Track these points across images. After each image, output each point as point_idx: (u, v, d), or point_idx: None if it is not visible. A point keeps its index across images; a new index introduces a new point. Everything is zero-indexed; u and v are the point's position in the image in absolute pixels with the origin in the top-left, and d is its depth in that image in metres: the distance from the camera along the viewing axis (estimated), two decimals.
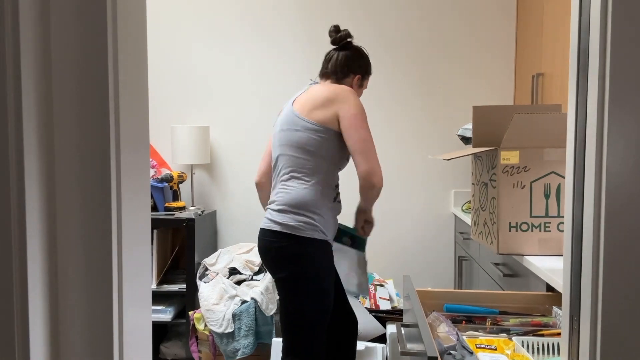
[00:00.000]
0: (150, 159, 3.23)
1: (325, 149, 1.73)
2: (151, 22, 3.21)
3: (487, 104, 3.09)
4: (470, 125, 2.68)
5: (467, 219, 2.71)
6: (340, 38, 1.91)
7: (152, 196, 2.99)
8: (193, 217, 2.90)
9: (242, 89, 3.26)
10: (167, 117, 3.26)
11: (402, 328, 1.46)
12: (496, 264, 2.08)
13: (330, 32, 1.93)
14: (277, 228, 1.72)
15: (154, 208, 3.00)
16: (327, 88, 1.79)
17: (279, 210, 1.74)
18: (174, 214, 2.96)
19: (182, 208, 3.04)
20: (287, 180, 1.76)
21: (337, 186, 1.82)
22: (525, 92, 2.83)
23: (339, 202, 1.84)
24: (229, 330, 2.63)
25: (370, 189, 1.71)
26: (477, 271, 2.55)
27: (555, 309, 1.49)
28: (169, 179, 3.03)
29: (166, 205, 3.02)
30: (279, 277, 1.76)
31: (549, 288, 1.58)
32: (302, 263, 1.71)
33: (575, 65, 0.87)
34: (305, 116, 1.75)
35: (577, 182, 0.85)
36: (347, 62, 1.89)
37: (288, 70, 3.23)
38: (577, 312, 0.86)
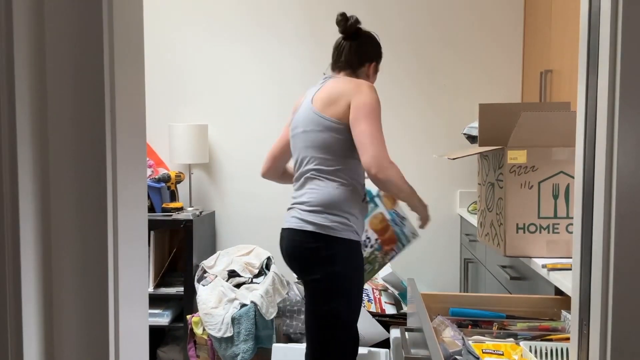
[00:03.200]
0: (147, 159, 3.23)
1: (349, 147, 1.70)
2: (148, 18, 3.21)
3: (494, 101, 3.08)
4: (476, 124, 2.67)
5: (473, 220, 2.71)
6: (350, 27, 1.86)
7: (149, 197, 2.99)
8: (191, 218, 2.89)
9: (242, 86, 3.26)
10: (164, 115, 3.26)
11: (406, 332, 1.46)
12: (503, 267, 2.08)
13: (338, 21, 1.87)
14: (310, 228, 1.69)
15: (151, 209, 2.99)
16: (343, 82, 1.76)
17: (311, 211, 1.71)
18: (171, 215, 2.95)
19: (180, 209, 3.03)
20: (316, 180, 1.73)
21: (364, 186, 1.79)
22: (534, 90, 2.83)
23: (367, 202, 1.84)
24: (228, 334, 2.63)
25: (377, 183, 1.66)
26: (483, 274, 2.55)
27: (564, 313, 1.48)
28: (166, 179, 3.03)
29: (164, 206, 3.02)
30: (313, 279, 1.73)
31: (558, 291, 1.57)
32: (339, 264, 1.68)
33: (585, 62, 0.86)
34: (325, 113, 1.72)
35: (586, 183, 0.85)
36: (361, 51, 1.86)
37: (290, 68, 3.23)
38: (586, 317, 0.85)
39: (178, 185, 3.12)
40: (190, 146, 3.07)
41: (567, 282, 1.44)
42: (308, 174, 1.76)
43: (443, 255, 3.19)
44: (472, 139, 2.71)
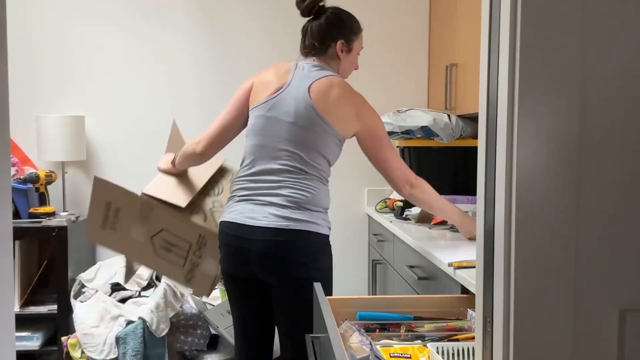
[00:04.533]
0: (11, 156, 3.04)
1: (335, 151, 1.91)
2: None
3: (402, 95, 3.23)
4: (383, 119, 2.79)
5: (382, 219, 2.83)
6: (307, 7, 1.92)
7: (13, 200, 2.82)
8: (65, 224, 2.82)
9: (124, 72, 3.15)
10: (31, 104, 3.08)
11: (312, 340, 1.49)
12: (411, 267, 2.19)
13: (296, 2, 1.93)
14: (298, 226, 1.77)
15: (16, 214, 2.87)
16: (348, 100, 1.87)
17: (294, 207, 1.79)
18: (41, 222, 2.86)
19: (52, 214, 2.93)
20: (315, 181, 1.85)
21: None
22: (439, 83, 3.00)
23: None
24: (112, 356, 2.56)
25: (411, 199, 2.03)
26: (391, 275, 2.67)
27: (470, 311, 1.59)
28: (34, 179, 2.91)
29: (31, 211, 2.91)
30: (300, 278, 1.80)
31: (464, 290, 1.69)
32: (326, 260, 1.88)
33: (486, 55, 0.94)
34: (329, 120, 1.84)
35: (488, 182, 0.93)
36: (323, 31, 1.92)
37: (180, 52, 3.16)
38: (490, 314, 0.93)
39: (49, 187, 3.00)
40: (64, 141, 2.95)
41: (473, 280, 1.54)
42: (289, 170, 1.82)
43: (351, 257, 3.29)
44: None
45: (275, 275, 1.83)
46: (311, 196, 1.82)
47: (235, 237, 1.83)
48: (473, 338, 1.42)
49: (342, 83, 1.89)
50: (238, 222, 1.82)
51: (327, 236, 1.88)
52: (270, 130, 1.85)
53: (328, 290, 1.83)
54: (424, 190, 1.99)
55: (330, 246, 1.91)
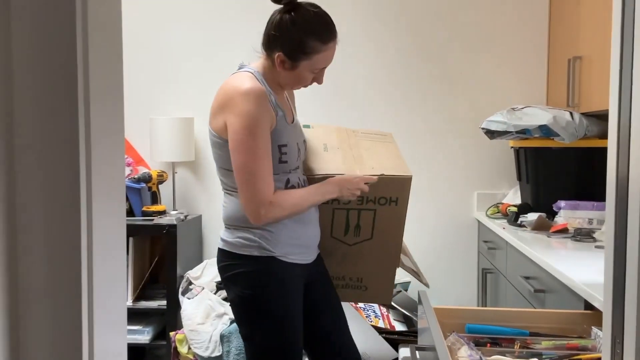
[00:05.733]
0: (126, 156, 3.23)
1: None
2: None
3: (517, 91, 3.09)
4: (495, 117, 2.68)
5: (493, 225, 2.72)
6: None
7: (127, 199, 2.99)
8: (175, 222, 2.90)
9: (230, 73, 3.25)
10: (144, 107, 3.24)
11: (417, 351, 1.46)
12: (526, 278, 2.08)
13: None
14: (220, 245, 1.77)
15: (130, 212, 3.00)
16: (221, 91, 1.72)
17: (225, 227, 1.78)
18: (152, 219, 2.96)
19: (163, 212, 3.04)
20: (225, 194, 1.77)
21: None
22: (560, 78, 2.83)
23: None
24: (216, 353, 2.62)
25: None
26: (504, 286, 2.55)
27: (594, 329, 1.49)
28: (147, 178, 3.03)
29: (144, 209, 3.03)
30: (229, 300, 1.82)
31: (588, 306, 1.58)
32: (242, 284, 1.71)
33: (618, 46, 0.87)
34: (209, 124, 1.72)
35: (620, 186, 0.86)
36: (272, 33, 1.65)
37: None
38: (620, 334, 0.86)
39: (160, 186, 3.11)
40: (174, 142, 3.06)
41: (599, 295, 1.44)
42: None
43: (458, 265, 3.19)
44: (491, 133, 2.71)
45: None
46: (224, 214, 1.76)
47: None
48: (598, 359, 1.32)
49: (227, 81, 1.74)
50: None
51: (249, 257, 1.66)
52: None
53: (246, 321, 1.73)
54: (282, 204, 1.62)
55: (255, 269, 1.67)
